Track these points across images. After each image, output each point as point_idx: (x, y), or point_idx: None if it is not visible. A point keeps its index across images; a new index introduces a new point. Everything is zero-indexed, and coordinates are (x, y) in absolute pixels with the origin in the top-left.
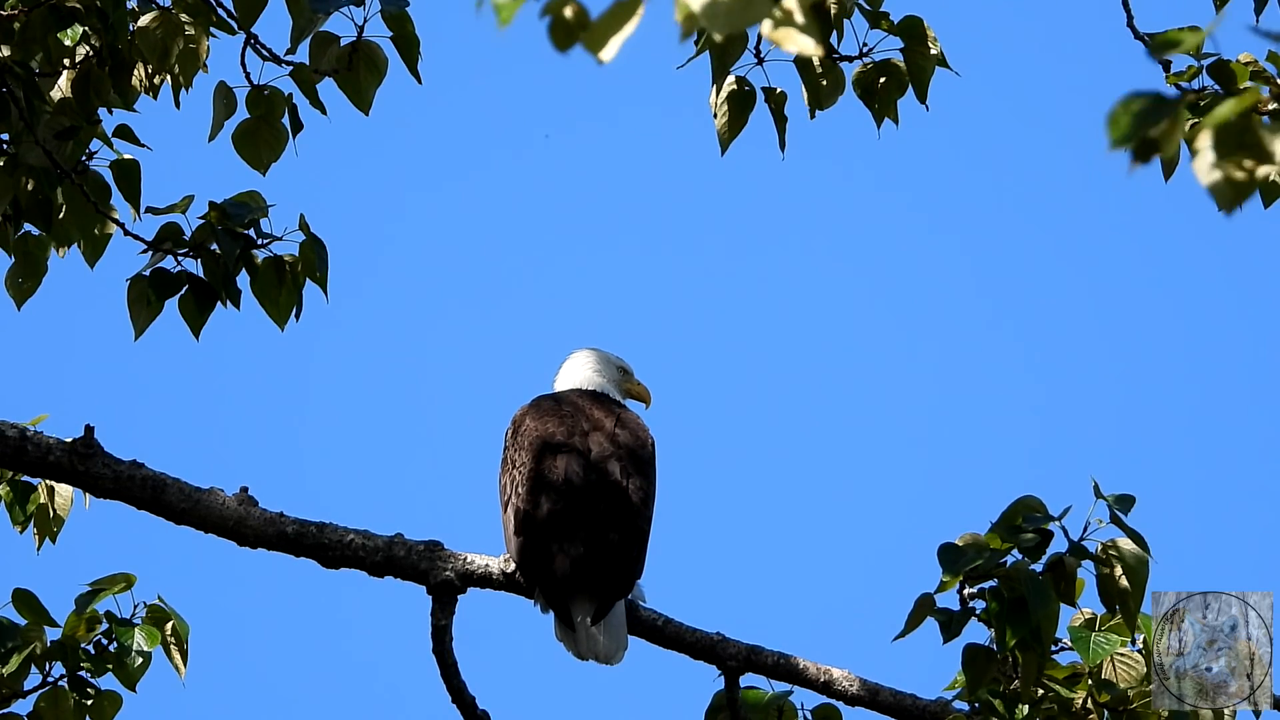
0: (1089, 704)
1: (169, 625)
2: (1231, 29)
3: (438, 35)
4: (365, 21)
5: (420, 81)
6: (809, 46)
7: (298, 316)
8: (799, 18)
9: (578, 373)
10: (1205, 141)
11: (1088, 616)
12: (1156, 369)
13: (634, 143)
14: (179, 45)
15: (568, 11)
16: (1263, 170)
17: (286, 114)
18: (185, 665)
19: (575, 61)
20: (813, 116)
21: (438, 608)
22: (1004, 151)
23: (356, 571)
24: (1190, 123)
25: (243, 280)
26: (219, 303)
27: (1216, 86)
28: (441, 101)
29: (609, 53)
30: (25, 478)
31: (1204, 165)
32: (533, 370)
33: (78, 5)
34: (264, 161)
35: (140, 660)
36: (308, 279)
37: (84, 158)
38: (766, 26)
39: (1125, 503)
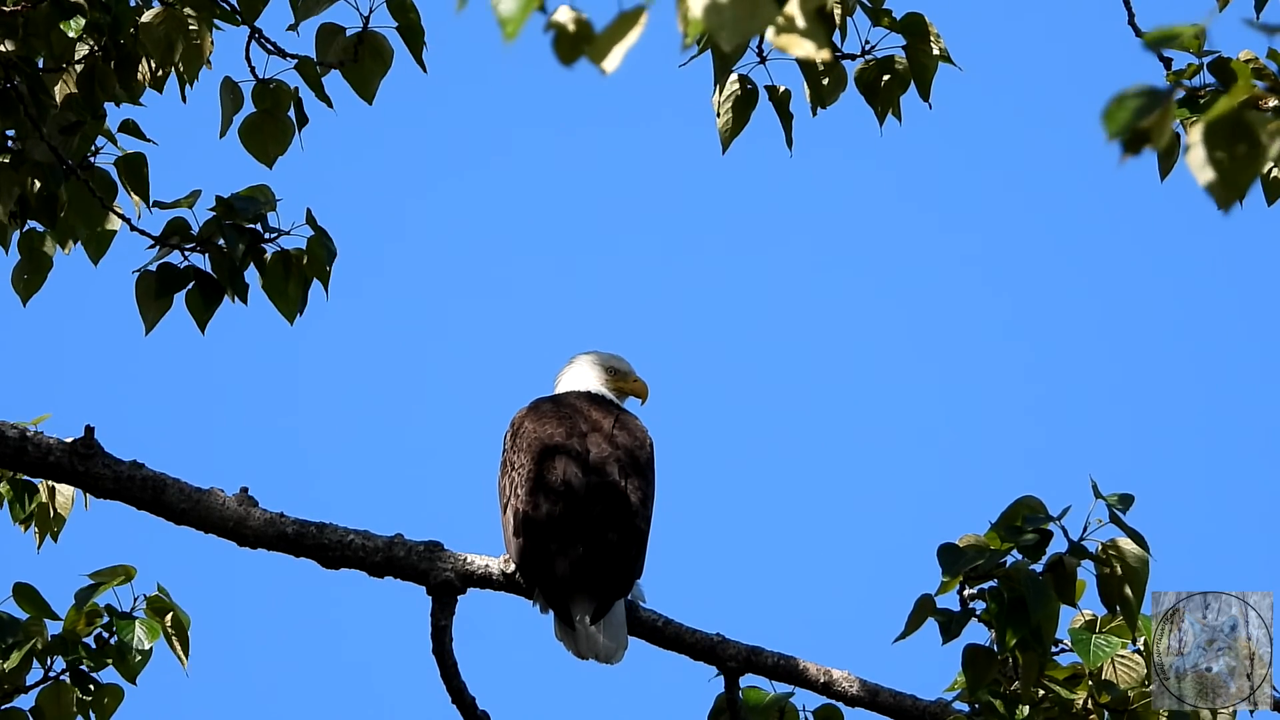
0: (1089, 705)
1: (169, 616)
2: (1233, 27)
3: (444, 33)
4: (371, 11)
5: (425, 70)
6: (814, 51)
7: (302, 311)
8: (802, 22)
9: (575, 375)
10: (1198, 136)
11: (1088, 618)
12: (1156, 368)
13: (637, 141)
14: (183, 40)
15: (571, 25)
16: (1257, 165)
17: (292, 107)
18: (186, 657)
19: (585, 64)
20: (815, 114)
21: (438, 608)
22: (1006, 149)
23: (356, 572)
24: (1191, 121)
25: (249, 275)
26: (225, 298)
27: (1217, 84)
28: (446, 98)
29: (612, 63)
30: (26, 476)
31: (1198, 160)
32: (533, 371)
33: (81, 1)
34: (270, 155)
35: (140, 655)
36: (315, 273)
37: (90, 153)
38: (771, 32)
39: (1125, 502)
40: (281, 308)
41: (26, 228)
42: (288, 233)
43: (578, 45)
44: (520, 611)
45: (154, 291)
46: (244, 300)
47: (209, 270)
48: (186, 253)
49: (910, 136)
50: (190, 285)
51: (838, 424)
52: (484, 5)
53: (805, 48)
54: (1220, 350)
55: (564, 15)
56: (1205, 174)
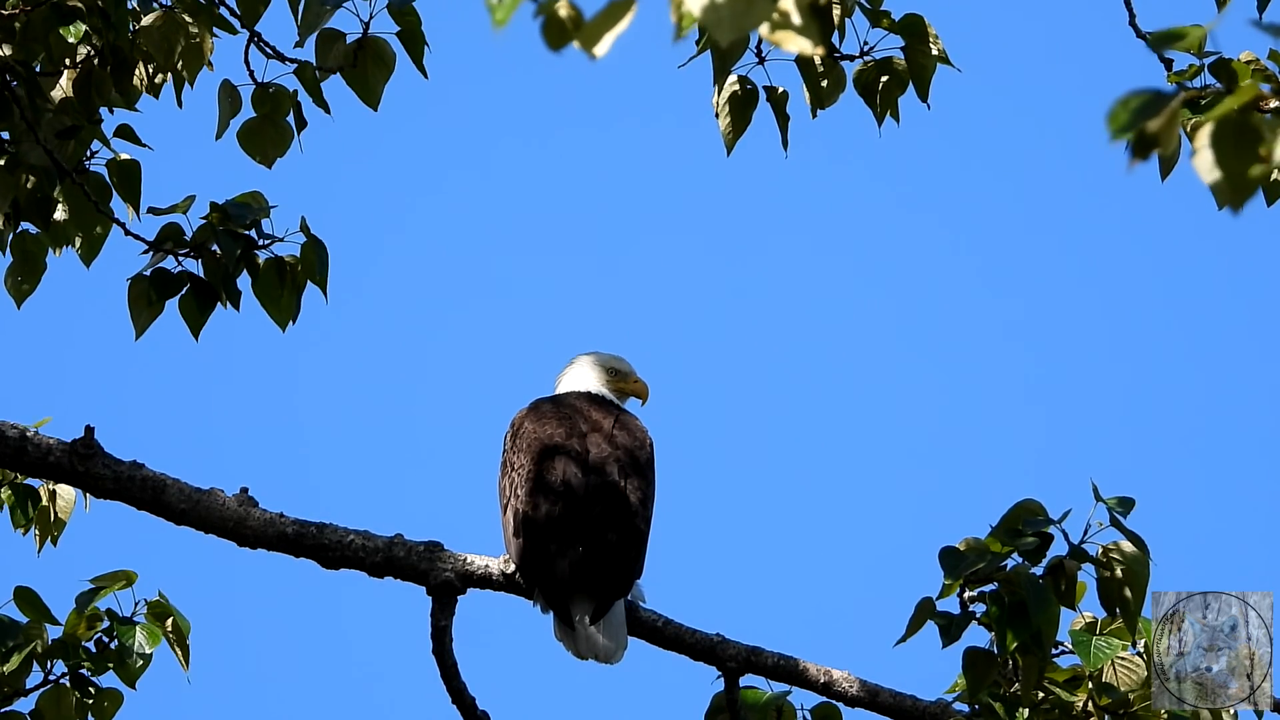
0: (1089, 707)
1: (169, 621)
2: (1234, 27)
3: (443, 35)
4: (371, 17)
5: (426, 76)
6: (807, 46)
7: (295, 319)
8: (796, 18)
9: (576, 376)
10: (1204, 139)
11: (1089, 620)
12: (1156, 369)
13: (637, 143)
14: (182, 43)
15: (562, 11)
16: (1263, 168)
17: (291, 112)
18: (187, 663)
19: (579, 61)
20: (814, 115)
21: (438, 608)
22: (1006, 150)
23: (356, 572)
24: (1192, 121)
25: (243, 281)
26: (219, 303)
27: (1218, 84)
28: (445, 102)
29: (602, 48)
30: (28, 480)
31: (1204, 163)
32: (533, 372)
33: (79, 4)
34: (269, 158)
35: (141, 659)
36: (308, 281)
37: (85, 157)
38: (765, 28)
39: (1125, 505)
40: (273, 314)
41: (20, 229)
42: (281, 239)
43: (567, 32)
44: (520, 612)
45: (146, 297)
46: (236, 306)
47: (202, 276)
48: (180, 258)
49: (909, 138)
50: (184, 290)
51: (838, 425)
52: (480, 7)
53: (799, 43)
54: (1220, 351)
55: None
56: (1212, 176)
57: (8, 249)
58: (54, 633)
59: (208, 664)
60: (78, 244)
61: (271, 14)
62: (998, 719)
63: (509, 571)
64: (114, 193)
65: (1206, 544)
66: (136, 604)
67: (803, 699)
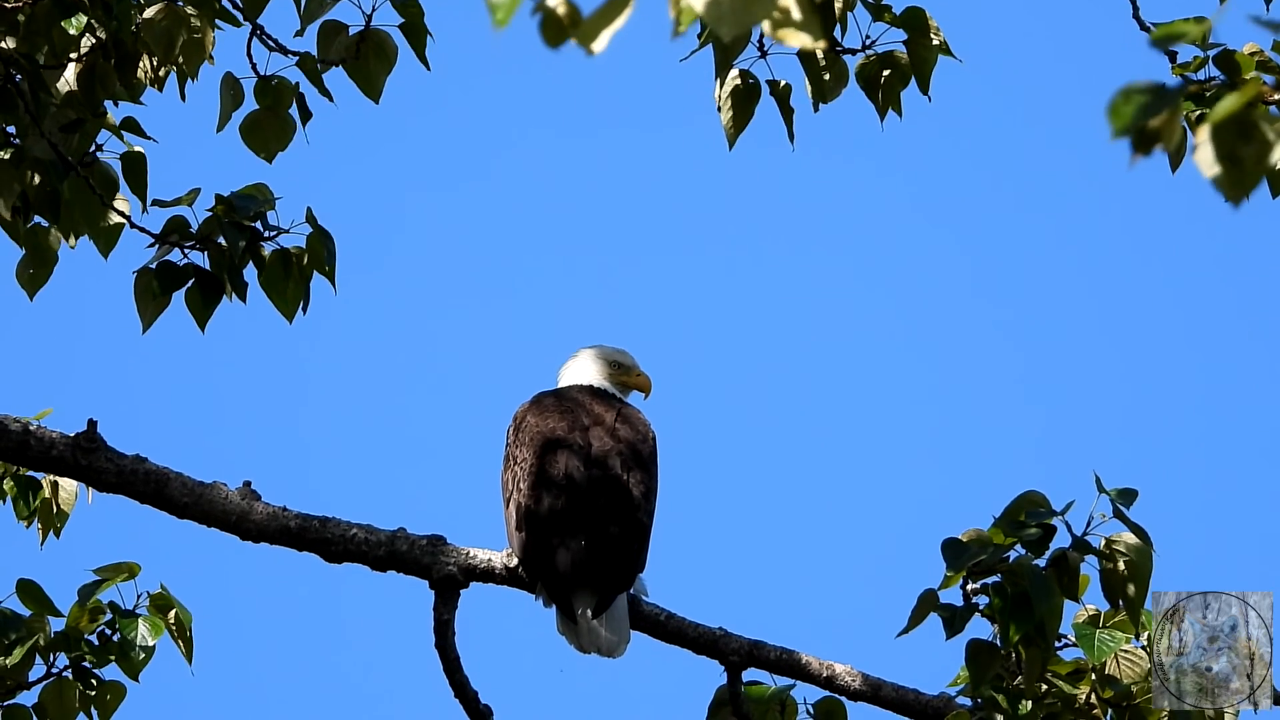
0: (1092, 700)
1: (172, 614)
2: (1238, 20)
3: (448, 32)
4: (374, 9)
5: (429, 68)
6: (809, 41)
7: (304, 309)
8: (798, 13)
9: (578, 369)
10: (1206, 134)
11: (1092, 613)
12: (1159, 365)
13: (640, 139)
14: (184, 36)
15: (560, 9)
16: (1264, 162)
17: (294, 104)
18: (189, 655)
19: (581, 57)
20: (816, 109)
21: (440, 602)
22: (1009, 144)
23: (359, 566)
24: (1196, 114)
25: (249, 273)
26: (225, 296)
27: (1223, 77)
28: (451, 96)
29: (600, 44)
30: (30, 472)
31: (1205, 158)
32: (536, 366)
33: None
34: (271, 151)
35: (143, 652)
36: (315, 272)
37: (90, 150)
38: (767, 24)
39: (1128, 497)
40: (280, 306)
41: (32, 223)
42: (287, 231)
43: (565, 29)
44: (523, 606)
45: (153, 290)
46: (243, 299)
47: (208, 268)
48: (186, 250)
49: (912, 132)
50: (190, 283)
51: (841, 418)
52: (481, 5)
53: (801, 38)
54: (1222, 348)
55: (553, 0)
56: (1213, 171)
57: (20, 242)
58: (56, 625)
59: (210, 657)
60: (94, 235)
61: (274, 6)
62: (1001, 712)
63: (511, 565)
64: (120, 185)
65: (1207, 542)
66: (139, 597)
67: (806, 693)
